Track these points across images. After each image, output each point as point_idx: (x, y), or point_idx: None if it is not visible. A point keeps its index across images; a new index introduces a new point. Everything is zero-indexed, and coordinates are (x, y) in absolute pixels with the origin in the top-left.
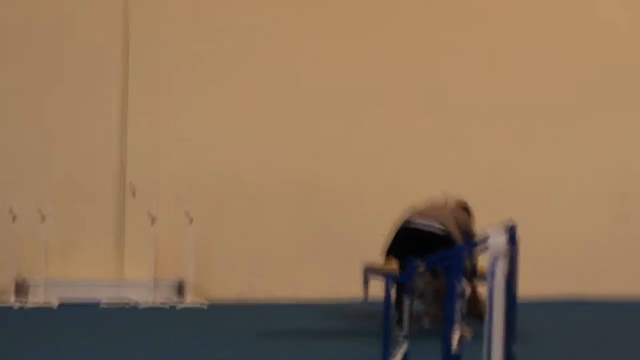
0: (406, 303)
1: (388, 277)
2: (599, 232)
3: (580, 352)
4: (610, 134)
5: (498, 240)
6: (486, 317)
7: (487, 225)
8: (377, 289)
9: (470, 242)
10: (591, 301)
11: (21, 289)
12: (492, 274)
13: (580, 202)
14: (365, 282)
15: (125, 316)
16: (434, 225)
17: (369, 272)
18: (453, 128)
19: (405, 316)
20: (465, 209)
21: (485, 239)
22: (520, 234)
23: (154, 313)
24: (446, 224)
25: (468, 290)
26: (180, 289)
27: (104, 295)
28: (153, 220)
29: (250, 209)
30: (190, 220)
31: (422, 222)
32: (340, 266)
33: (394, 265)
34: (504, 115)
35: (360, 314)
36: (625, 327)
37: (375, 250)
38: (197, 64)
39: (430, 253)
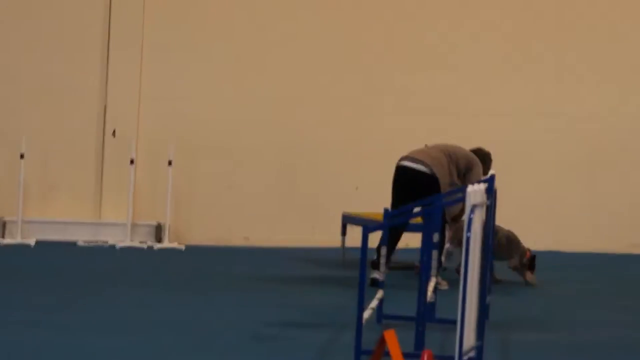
0: (383, 248)
1: (365, 224)
2: (572, 192)
3: (555, 302)
4: (584, 100)
5: (475, 190)
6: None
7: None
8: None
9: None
10: (564, 255)
11: None
12: (469, 223)
13: (554, 164)
14: (344, 230)
15: (101, 256)
16: (421, 167)
17: (346, 220)
18: (431, 87)
19: (382, 260)
20: (479, 153)
21: (463, 189)
22: (499, 189)
23: (131, 254)
24: (433, 165)
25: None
26: (157, 232)
27: (82, 236)
28: (132, 162)
29: (229, 157)
30: (169, 164)
31: (412, 162)
32: (318, 216)
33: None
34: (483, 78)
35: (338, 261)
36: (595, 279)
37: (354, 201)
38: (180, 16)
39: (421, 191)
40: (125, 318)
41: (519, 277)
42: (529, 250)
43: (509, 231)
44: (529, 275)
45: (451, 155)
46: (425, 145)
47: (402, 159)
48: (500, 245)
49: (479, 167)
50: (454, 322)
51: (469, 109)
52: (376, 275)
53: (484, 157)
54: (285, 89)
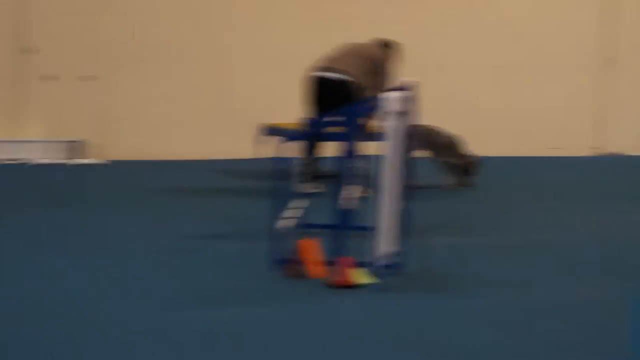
0: (307, 158)
1: (285, 134)
2: (490, 97)
3: (478, 207)
4: (506, 9)
5: (392, 97)
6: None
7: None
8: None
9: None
10: (485, 160)
11: None
12: (387, 130)
13: (478, 72)
14: (259, 141)
15: (20, 173)
16: (340, 75)
17: (265, 130)
18: None
19: (306, 170)
20: (386, 45)
21: (382, 98)
22: (422, 96)
23: (51, 170)
24: (351, 71)
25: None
26: (78, 148)
27: None
28: (52, 78)
29: (150, 72)
30: (91, 79)
31: (329, 71)
32: (238, 129)
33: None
34: None
35: (259, 172)
36: (516, 183)
37: (273, 112)
38: None
39: (341, 101)
40: (40, 237)
41: (440, 183)
42: (471, 155)
43: (451, 133)
44: (463, 180)
45: (364, 56)
46: (334, 50)
47: (316, 69)
48: (442, 145)
49: (390, 65)
50: (373, 229)
51: (383, 17)
52: (314, 188)
53: (391, 48)
54: (212, 5)
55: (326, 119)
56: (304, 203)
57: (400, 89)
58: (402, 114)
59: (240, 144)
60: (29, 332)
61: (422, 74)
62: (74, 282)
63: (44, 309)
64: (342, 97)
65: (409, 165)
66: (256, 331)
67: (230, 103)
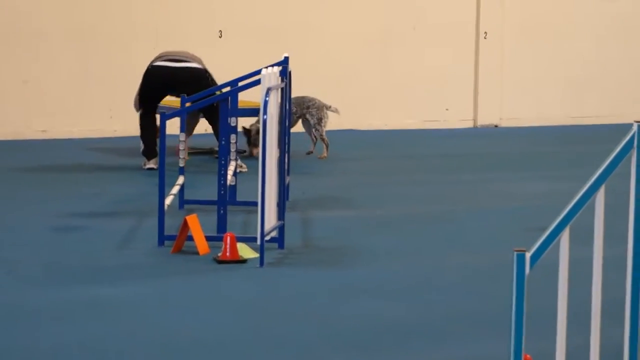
0: (182, 134)
1: (162, 112)
2: (369, 69)
3: (354, 180)
4: None
5: (269, 73)
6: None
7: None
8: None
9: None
10: (360, 133)
11: None
12: (265, 106)
13: (350, 41)
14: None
15: None
16: (192, 63)
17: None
18: None
19: (182, 147)
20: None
21: (258, 72)
22: (295, 70)
23: None
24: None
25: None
26: None
27: None
28: None
29: (27, 50)
30: None
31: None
32: (116, 105)
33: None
34: None
35: (137, 150)
36: (392, 156)
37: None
38: None
39: (191, 89)
40: None
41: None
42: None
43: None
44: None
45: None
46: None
47: (160, 59)
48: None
49: None
50: (255, 205)
51: None
52: (151, 165)
53: None
54: None
55: (200, 98)
56: (186, 179)
57: (277, 64)
58: (280, 87)
59: (118, 120)
60: None
61: (302, 44)
62: None
63: None
64: (200, 83)
65: (285, 139)
66: (138, 307)
67: (106, 79)
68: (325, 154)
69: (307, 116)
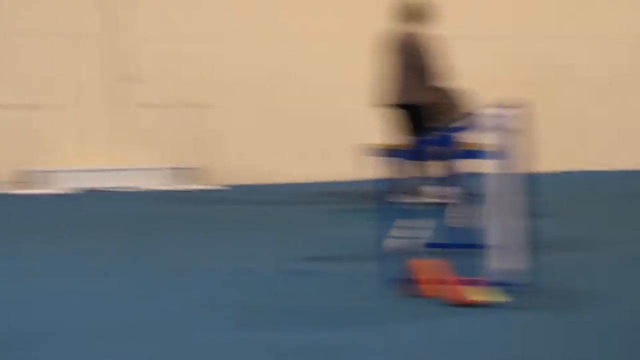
0: (411, 177)
1: None
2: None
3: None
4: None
5: (500, 114)
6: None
7: None
8: None
9: None
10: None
11: None
12: (499, 148)
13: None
14: (361, 161)
15: (140, 199)
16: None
17: (364, 151)
18: None
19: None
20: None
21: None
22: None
23: (173, 197)
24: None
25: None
26: (183, 175)
27: None
28: (152, 106)
29: (252, 97)
30: (194, 107)
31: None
32: (338, 150)
33: None
34: None
35: (358, 192)
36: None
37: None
38: None
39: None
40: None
41: None
42: None
43: None
44: None
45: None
46: None
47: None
48: None
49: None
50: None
51: None
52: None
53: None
54: None
55: (430, 138)
56: (418, 223)
57: (508, 106)
58: (512, 130)
59: (341, 165)
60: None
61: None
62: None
63: (146, 328)
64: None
65: (520, 180)
66: (375, 352)
67: (327, 125)
68: None
69: None
